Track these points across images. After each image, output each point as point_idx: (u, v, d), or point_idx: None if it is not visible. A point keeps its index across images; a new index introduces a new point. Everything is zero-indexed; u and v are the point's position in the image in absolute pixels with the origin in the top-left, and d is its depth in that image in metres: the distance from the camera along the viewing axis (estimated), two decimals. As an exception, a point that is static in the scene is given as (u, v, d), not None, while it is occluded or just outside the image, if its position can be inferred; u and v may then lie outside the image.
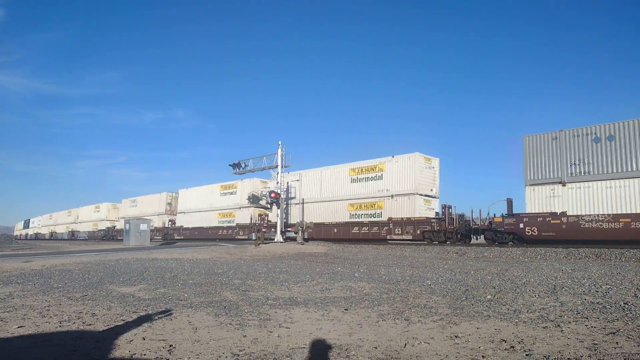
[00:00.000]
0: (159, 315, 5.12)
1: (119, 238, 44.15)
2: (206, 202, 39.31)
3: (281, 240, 25.67)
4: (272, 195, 26.32)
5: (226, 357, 3.55)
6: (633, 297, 6.09)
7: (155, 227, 42.58)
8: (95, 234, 55.06)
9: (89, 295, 6.67)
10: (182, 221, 41.57)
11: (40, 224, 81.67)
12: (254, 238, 25.81)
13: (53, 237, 69.75)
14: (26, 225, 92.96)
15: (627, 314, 4.92)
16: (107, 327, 4.55)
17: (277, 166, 26.88)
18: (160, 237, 41.46)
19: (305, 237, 26.25)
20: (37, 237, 78.45)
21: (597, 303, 5.65)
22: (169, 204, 45.44)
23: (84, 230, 59.93)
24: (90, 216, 59.55)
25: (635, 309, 5.16)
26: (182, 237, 39.57)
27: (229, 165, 29.74)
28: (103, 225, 54.71)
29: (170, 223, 43.18)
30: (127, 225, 26.91)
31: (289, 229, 28.30)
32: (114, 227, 52.52)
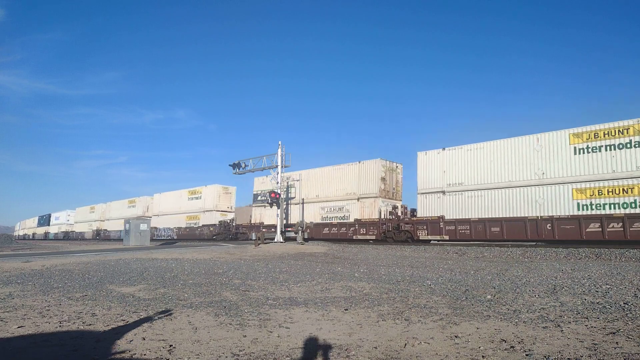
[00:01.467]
0: (159, 315, 5.12)
1: (253, 238, 28.65)
2: (497, 171, 19.78)
3: (281, 240, 25.67)
4: (272, 195, 26.31)
5: (226, 357, 3.55)
6: (633, 297, 6.09)
7: (357, 220, 25.41)
8: (196, 232, 36.91)
9: (89, 295, 6.67)
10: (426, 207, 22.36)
11: (72, 220, 63.72)
12: (253, 238, 25.78)
13: (102, 235, 50.82)
14: (43, 221, 73.95)
15: (627, 314, 4.92)
16: (107, 327, 4.55)
17: (277, 166, 26.87)
18: (373, 237, 24.23)
19: (305, 237, 26.28)
20: (68, 236, 59.55)
21: (597, 303, 5.65)
22: (383, 179, 25.22)
23: (165, 227, 41.49)
24: (180, 206, 40.73)
25: (635, 309, 5.16)
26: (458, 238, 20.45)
27: (229, 165, 29.74)
28: (210, 219, 36.62)
29: (393, 212, 23.99)
30: (127, 225, 26.90)
31: (289, 229, 28.30)
32: (233, 220, 35.52)
